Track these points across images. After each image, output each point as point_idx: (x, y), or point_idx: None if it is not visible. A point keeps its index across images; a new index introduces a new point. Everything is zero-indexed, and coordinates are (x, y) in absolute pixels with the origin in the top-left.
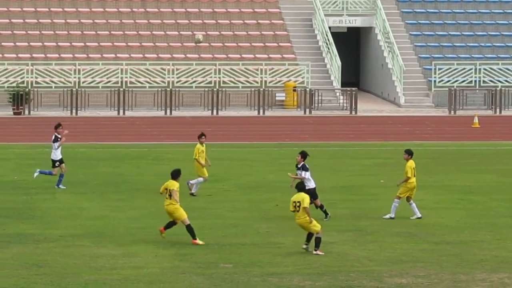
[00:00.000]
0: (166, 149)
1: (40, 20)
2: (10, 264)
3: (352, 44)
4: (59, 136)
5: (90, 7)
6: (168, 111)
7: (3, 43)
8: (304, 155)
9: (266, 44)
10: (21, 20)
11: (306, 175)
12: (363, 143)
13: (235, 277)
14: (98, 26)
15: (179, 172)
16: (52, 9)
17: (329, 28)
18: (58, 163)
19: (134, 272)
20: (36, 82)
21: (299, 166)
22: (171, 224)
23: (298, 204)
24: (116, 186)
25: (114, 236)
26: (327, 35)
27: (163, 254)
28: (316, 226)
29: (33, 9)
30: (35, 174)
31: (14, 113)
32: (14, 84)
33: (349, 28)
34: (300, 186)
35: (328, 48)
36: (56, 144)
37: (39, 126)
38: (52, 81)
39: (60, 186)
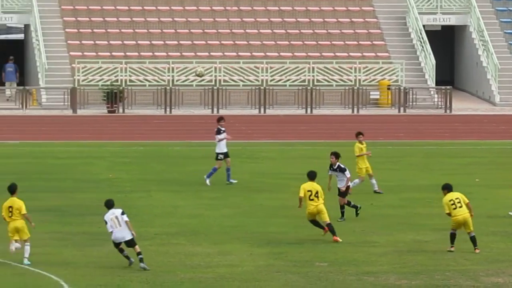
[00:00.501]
0: (260, 147)
1: (134, 19)
2: (106, 262)
3: (447, 42)
4: (222, 128)
5: (184, 6)
6: (262, 109)
7: (97, 42)
8: (337, 155)
9: (360, 42)
10: (115, 19)
11: (348, 174)
12: (458, 141)
13: (330, 276)
14: (192, 25)
15: (315, 174)
16: (145, 7)
17: (423, 26)
18: (222, 155)
19: (229, 270)
20: (130, 81)
21: (334, 167)
22: (320, 224)
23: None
24: (211, 185)
25: (208, 234)
26: (421, 34)
27: (257, 252)
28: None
29: (126, 7)
30: (207, 181)
31: (108, 111)
32: (108, 83)
33: (443, 27)
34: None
35: (422, 47)
36: (219, 137)
37: (133, 124)
38: (146, 80)
39: (231, 180)
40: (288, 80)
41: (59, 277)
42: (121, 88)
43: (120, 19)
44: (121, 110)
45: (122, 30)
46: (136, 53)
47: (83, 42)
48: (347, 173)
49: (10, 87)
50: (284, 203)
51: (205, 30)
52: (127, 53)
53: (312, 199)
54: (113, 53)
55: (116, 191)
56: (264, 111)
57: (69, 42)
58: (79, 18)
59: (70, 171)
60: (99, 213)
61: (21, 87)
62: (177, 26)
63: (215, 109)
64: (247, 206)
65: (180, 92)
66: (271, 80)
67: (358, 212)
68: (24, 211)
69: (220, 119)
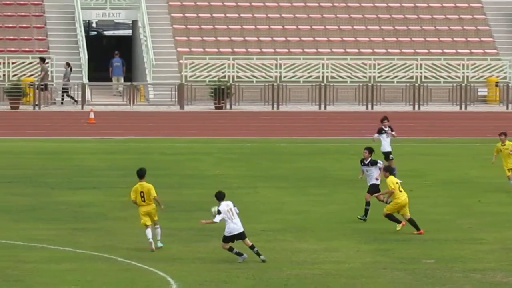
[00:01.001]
0: (367, 144)
1: (242, 15)
2: (212, 258)
3: None
4: (385, 128)
5: (291, 2)
6: (370, 106)
7: (205, 38)
8: (371, 150)
9: (468, 39)
10: (223, 15)
11: (381, 163)
12: None
13: (437, 273)
14: (299, 21)
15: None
16: (253, 3)
17: None
18: (391, 155)
19: (335, 267)
20: (238, 77)
21: (366, 161)
22: (395, 218)
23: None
24: (317, 181)
25: (315, 230)
26: None
27: (364, 249)
28: None
29: (234, 3)
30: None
31: (216, 108)
32: (216, 79)
33: None
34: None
35: None
36: (376, 136)
37: (240, 120)
38: (253, 76)
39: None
40: (396, 76)
41: (165, 273)
42: (228, 84)
43: (227, 15)
44: (228, 106)
45: (230, 26)
46: (244, 49)
47: (190, 38)
48: (380, 164)
49: (117, 83)
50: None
51: (313, 27)
52: (235, 49)
53: (401, 191)
54: (221, 49)
55: (223, 187)
56: (372, 108)
57: (176, 38)
58: (186, 14)
59: (177, 167)
60: (206, 208)
61: (129, 83)
62: (284, 23)
63: (322, 106)
64: (354, 202)
65: (288, 88)
66: (378, 77)
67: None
68: (154, 194)
69: (384, 118)
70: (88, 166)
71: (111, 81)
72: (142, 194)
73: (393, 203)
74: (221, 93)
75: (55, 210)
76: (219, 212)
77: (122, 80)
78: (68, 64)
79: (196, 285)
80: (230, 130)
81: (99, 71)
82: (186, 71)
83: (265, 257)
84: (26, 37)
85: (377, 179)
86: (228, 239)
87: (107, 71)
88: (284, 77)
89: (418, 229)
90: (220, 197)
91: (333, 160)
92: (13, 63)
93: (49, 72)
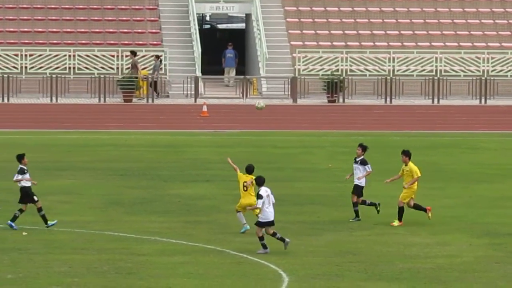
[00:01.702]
0: (480, 138)
1: (355, 8)
2: (324, 251)
3: None
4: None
5: None
6: (483, 100)
7: (318, 31)
8: (364, 148)
9: None
10: (336, 8)
11: (369, 168)
12: None
13: None
14: (413, 15)
15: None
16: None
17: None
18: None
19: (448, 261)
20: (351, 70)
21: (357, 159)
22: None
23: None
24: (430, 175)
25: (428, 224)
26: None
27: (477, 243)
28: None
29: None
30: None
31: (329, 101)
32: (329, 72)
33: None
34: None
35: None
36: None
37: (353, 114)
38: (367, 69)
39: None
40: (510, 70)
41: (277, 266)
42: (341, 77)
43: (341, 9)
44: (341, 99)
45: (343, 20)
46: (357, 43)
47: (304, 31)
48: (368, 167)
49: (229, 76)
50: (504, 193)
51: (426, 20)
52: (348, 43)
53: None
54: (334, 43)
55: (335, 181)
56: (485, 102)
57: (290, 31)
58: (300, 8)
59: (290, 160)
60: (318, 202)
61: (242, 77)
62: (398, 16)
63: (435, 99)
64: (467, 196)
65: (401, 82)
66: (492, 71)
67: (378, 209)
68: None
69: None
70: (201, 159)
71: (223, 72)
72: (245, 183)
73: (410, 190)
74: (334, 86)
75: (167, 203)
76: (260, 197)
77: (234, 71)
78: (157, 57)
79: (308, 278)
80: (343, 123)
81: (212, 64)
82: (299, 65)
83: (289, 239)
84: (140, 31)
85: (359, 179)
86: (262, 224)
87: (220, 64)
88: (397, 70)
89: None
90: (260, 182)
91: (446, 154)
92: (126, 56)
93: (139, 65)
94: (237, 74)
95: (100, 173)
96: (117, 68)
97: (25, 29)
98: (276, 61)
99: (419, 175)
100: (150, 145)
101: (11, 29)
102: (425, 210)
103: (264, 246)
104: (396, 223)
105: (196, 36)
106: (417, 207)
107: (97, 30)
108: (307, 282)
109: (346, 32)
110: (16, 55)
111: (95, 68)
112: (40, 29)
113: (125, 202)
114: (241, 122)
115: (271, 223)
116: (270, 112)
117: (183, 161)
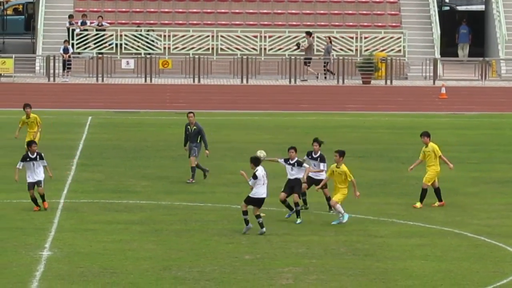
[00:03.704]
0: None
1: None
2: None
3: None
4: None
5: None
6: None
7: None
8: (320, 142)
9: None
10: None
11: (325, 167)
12: None
13: None
14: None
15: None
16: None
17: None
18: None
19: None
20: None
21: (315, 155)
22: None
23: None
24: None
25: None
26: None
27: None
28: None
29: None
30: None
31: None
32: None
33: None
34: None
35: None
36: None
37: None
38: None
39: None
40: None
41: None
42: None
43: None
44: None
45: None
46: None
47: None
48: (322, 165)
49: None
50: None
51: None
52: None
53: None
54: None
55: None
56: None
57: None
58: None
59: None
60: None
61: (480, 58)
62: None
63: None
64: None
65: None
66: None
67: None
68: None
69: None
70: (439, 141)
71: (456, 47)
72: None
73: (434, 171)
74: None
75: (405, 185)
76: (255, 177)
77: (467, 47)
78: (329, 39)
79: None
80: None
81: (451, 46)
82: None
83: (265, 229)
84: (379, 12)
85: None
86: (249, 200)
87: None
88: None
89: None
90: (257, 162)
91: None
92: (365, 38)
93: (314, 46)
94: (475, 55)
95: None
96: (356, 50)
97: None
98: None
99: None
100: (388, 127)
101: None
102: (440, 200)
103: (247, 222)
104: (418, 204)
105: (435, 18)
106: (438, 192)
107: (336, 11)
108: None
109: None
110: (256, 36)
111: (334, 49)
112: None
113: (363, 184)
114: (480, 104)
115: (258, 202)
116: (509, 94)
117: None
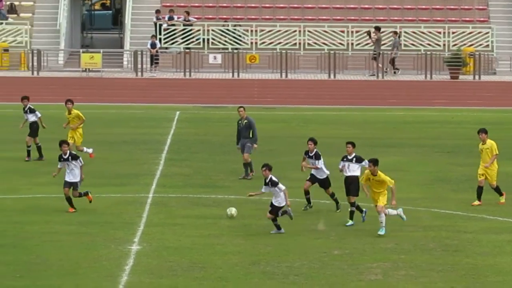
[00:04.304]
0: None
1: None
2: None
3: None
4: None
5: None
6: None
7: None
8: (315, 141)
9: None
10: None
11: (320, 164)
12: None
13: None
14: None
15: None
16: None
17: None
18: None
19: None
20: None
21: (311, 154)
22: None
23: None
24: None
25: None
26: None
27: None
28: None
29: None
30: None
31: None
32: None
33: None
34: None
35: None
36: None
37: None
38: None
39: None
40: None
41: None
42: None
43: None
44: None
45: None
46: None
47: None
48: (317, 162)
49: None
50: None
51: None
52: None
53: None
54: None
55: None
56: None
57: None
58: None
59: None
60: None
61: None
62: None
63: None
64: None
65: None
66: None
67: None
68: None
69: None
70: None
71: None
72: None
73: (495, 169)
74: None
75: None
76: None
77: None
78: (395, 33)
79: None
80: None
81: None
82: None
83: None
84: (466, 7)
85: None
86: (278, 209)
87: None
88: None
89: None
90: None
91: None
92: (453, 32)
93: (380, 42)
94: None
95: (426, 150)
96: (444, 45)
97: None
98: None
99: (498, 152)
100: (477, 122)
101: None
102: (501, 193)
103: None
104: (502, 199)
105: None
106: (480, 191)
107: (424, 6)
108: None
109: None
110: (343, 31)
111: (421, 44)
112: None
113: (452, 179)
114: None
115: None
116: None
117: (509, 139)
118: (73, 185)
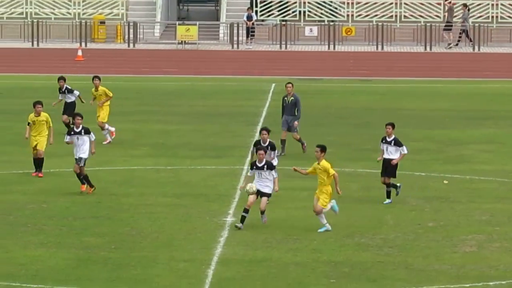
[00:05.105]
0: None
1: None
2: None
3: None
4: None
5: None
6: None
7: None
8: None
9: None
10: None
11: (274, 154)
12: None
13: None
14: None
15: None
16: None
17: None
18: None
19: None
20: None
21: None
22: None
23: None
24: None
25: None
26: None
27: None
28: None
29: None
30: None
31: None
32: None
33: None
34: None
35: None
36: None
37: None
38: None
39: None
40: None
41: None
42: None
43: None
44: None
45: None
46: None
47: None
48: (273, 153)
49: None
50: None
51: None
52: None
53: None
54: None
55: None
56: None
57: None
58: None
59: None
60: None
61: None
62: None
63: None
64: None
65: None
66: None
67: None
68: None
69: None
70: None
71: None
72: None
73: None
74: None
75: None
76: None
77: None
78: (465, 6)
79: None
80: None
81: None
82: None
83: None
84: None
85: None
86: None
87: None
88: None
89: None
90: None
91: None
92: None
93: (453, 12)
94: None
95: None
96: None
97: None
98: None
99: None
100: None
101: None
102: None
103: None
104: None
105: None
106: None
107: None
108: None
109: None
110: (439, 3)
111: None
112: None
113: None
114: None
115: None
116: None
117: None
118: (77, 160)
